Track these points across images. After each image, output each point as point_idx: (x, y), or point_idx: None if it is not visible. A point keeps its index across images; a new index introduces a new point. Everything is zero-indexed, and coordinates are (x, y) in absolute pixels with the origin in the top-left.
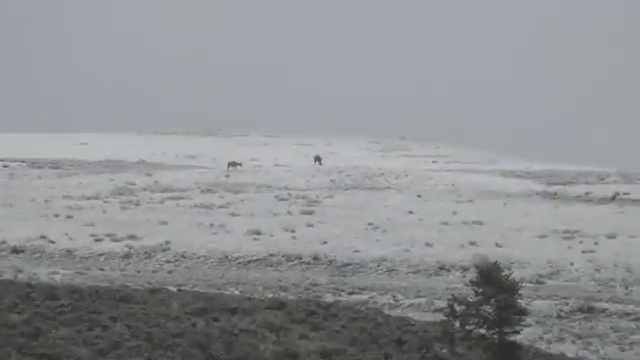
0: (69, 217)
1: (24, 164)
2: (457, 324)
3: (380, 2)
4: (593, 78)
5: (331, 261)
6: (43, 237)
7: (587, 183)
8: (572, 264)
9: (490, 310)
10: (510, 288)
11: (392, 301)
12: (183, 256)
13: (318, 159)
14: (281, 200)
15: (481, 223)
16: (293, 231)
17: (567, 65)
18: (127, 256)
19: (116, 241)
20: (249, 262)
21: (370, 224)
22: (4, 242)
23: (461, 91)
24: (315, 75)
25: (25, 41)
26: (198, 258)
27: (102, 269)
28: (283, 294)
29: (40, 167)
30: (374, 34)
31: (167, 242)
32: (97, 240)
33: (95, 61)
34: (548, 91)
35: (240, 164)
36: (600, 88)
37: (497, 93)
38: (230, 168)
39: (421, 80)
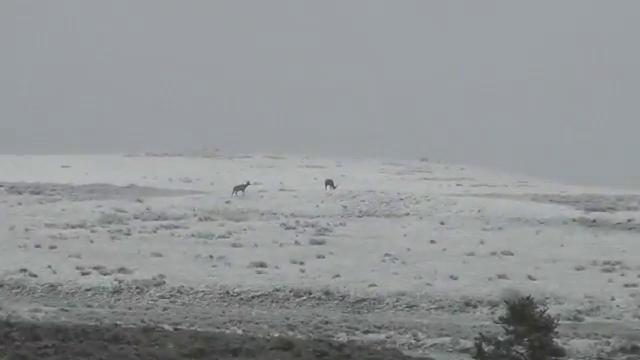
0: (52, 248)
1: (1, 188)
2: None
3: (396, 8)
4: (635, 92)
5: (344, 296)
6: (23, 270)
7: (629, 209)
8: (613, 299)
9: (522, 350)
10: (545, 326)
11: (412, 340)
12: (179, 291)
13: (330, 183)
14: (288, 229)
15: (511, 253)
16: (301, 263)
17: (606, 78)
18: (117, 291)
19: (105, 274)
20: (253, 298)
21: (387, 255)
22: None
23: (488, 107)
24: (324, 90)
25: None
26: (196, 293)
27: (89, 306)
28: (291, 333)
29: (20, 192)
30: (387, 42)
31: (161, 276)
32: (83, 273)
33: (77, 75)
34: (584, 107)
35: (247, 184)
36: None
37: (527, 109)
38: (238, 193)
39: (443, 96)
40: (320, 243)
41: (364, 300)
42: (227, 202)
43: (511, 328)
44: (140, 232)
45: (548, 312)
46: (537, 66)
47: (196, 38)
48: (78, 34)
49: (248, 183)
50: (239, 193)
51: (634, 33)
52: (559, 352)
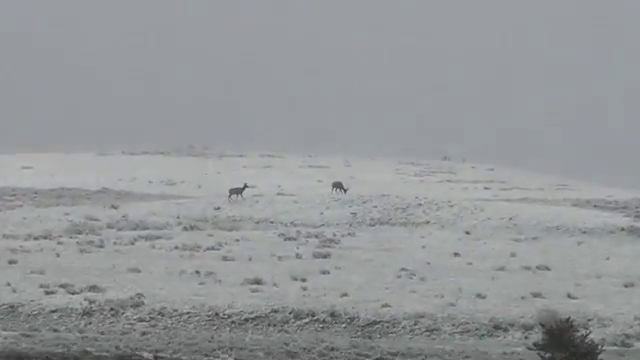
0: (12, 262)
1: None
2: None
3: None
4: None
5: (352, 318)
6: None
7: None
8: None
9: None
10: (587, 352)
11: None
12: (161, 313)
13: (339, 186)
14: (287, 239)
15: (548, 268)
16: (303, 280)
17: None
18: (88, 313)
19: (73, 294)
20: (246, 320)
21: (403, 270)
22: None
23: (520, 100)
24: (329, 78)
25: None
26: (180, 316)
27: (55, 330)
28: None
29: None
30: (407, 30)
31: (139, 295)
32: (48, 292)
33: (43, 64)
34: (631, 100)
35: (245, 186)
36: None
37: (565, 101)
38: (234, 196)
39: (469, 85)
40: (325, 256)
41: (376, 323)
42: (217, 208)
43: (548, 355)
44: (115, 244)
45: (591, 337)
46: (576, 59)
47: (183, 27)
48: (46, 23)
49: (246, 186)
50: (236, 197)
51: None
52: None
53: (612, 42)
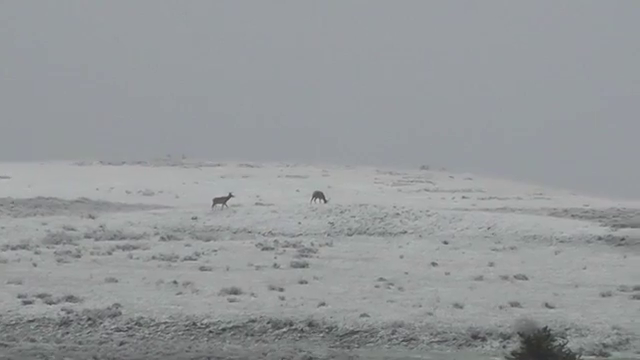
0: None
1: None
2: None
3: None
4: None
5: (331, 328)
6: None
7: None
8: None
9: None
10: None
11: None
12: (138, 323)
13: (320, 196)
14: (265, 249)
15: (526, 278)
16: (281, 290)
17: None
18: (65, 323)
19: (50, 304)
20: (224, 330)
21: (381, 280)
22: None
23: (498, 109)
24: (309, 90)
25: None
26: (157, 326)
27: (32, 340)
28: None
29: None
30: (384, 35)
31: (117, 305)
32: (26, 302)
33: (20, 70)
34: (607, 110)
35: (230, 196)
36: None
37: (542, 110)
38: (218, 206)
39: (447, 94)
40: (303, 266)
41: (354, 333)
42: (194, 218)
43: None
44: (92, 254)
45: (568, 346)
46: (556, 65)
47: (160, 35)
48: (20, 24)
49: (231, 195)
50: (221, 207)
51: None
52: None
53: (589, 53)
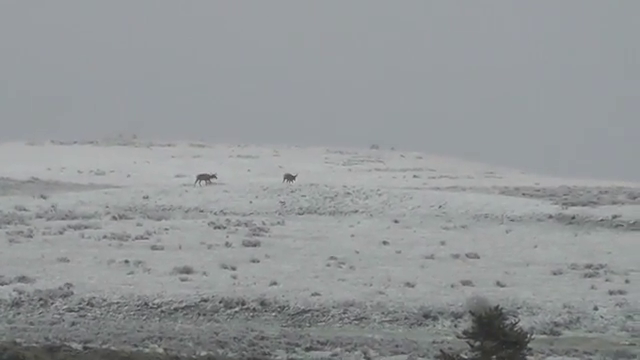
0: None
1: None
2: None
3: None
4: (624, 73)
5: (282, 307)
6: None
7: (615, 203)
8: (596, 309)
9: None
10: (516, 341)
11: (363, 359)
12: (90, 303)
13: (290, 178)
14: (217, 228)
15: (477, 256)
16: (233, 269)
17: (588, 54)
18: (16, 304)
19: (2, 284)
20: (176, 310)
21: (332, 259)
22: None
23: (448, 85)
24: (258, 69)
25: None
26: (109, 305)
27: None
28: (220, 351)
29: None
30: (336, 16)
31: (68, 285)
32: None
33: None
34: (560, 84)
35: (214, 175)
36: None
37: (495, 87)
38: (201, 182)
39: (395, 73)
40: (254, 245)
41: (306, 312)
42: (145, 197)
43: (477, 344)
44: (44, 234)
45: (520, 325)
46: (508, 42)
47: (108, 13)
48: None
49: (214, 175)
50: (205, 183)
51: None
52: None
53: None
